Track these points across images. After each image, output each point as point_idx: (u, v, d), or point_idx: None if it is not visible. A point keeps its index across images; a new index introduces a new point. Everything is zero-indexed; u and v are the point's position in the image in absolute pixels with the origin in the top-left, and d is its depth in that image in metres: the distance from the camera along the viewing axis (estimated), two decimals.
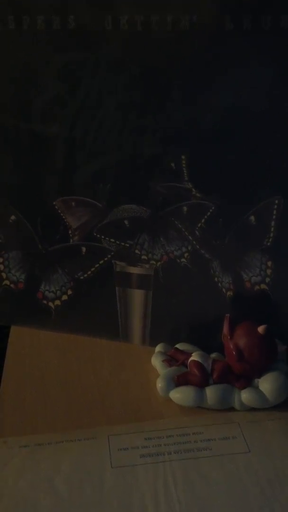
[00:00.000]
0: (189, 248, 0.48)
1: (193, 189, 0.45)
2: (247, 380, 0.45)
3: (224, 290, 0.49)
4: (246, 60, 0.40)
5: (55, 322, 0.53)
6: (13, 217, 0.50)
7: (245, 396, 0.44)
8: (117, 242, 0.49)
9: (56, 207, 0.49)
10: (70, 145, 0.45)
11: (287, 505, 0.37)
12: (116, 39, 0.41)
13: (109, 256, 0.50)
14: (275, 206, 0.45)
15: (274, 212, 0.45)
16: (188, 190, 0.45)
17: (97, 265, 0.50)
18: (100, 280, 0.51)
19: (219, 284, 0.49)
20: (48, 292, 0.52)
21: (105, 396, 0.47)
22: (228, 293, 0.49)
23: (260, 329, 0.44)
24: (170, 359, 0.48)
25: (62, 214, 0.49)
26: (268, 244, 0.46)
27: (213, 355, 0.48)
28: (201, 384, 0.45)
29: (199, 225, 0.47)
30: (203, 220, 0.46)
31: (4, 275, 0.53)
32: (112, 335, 0.53)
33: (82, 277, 0.51)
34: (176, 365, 0.47)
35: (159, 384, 0.46)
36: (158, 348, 0.50)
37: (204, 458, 0.40)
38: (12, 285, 0.53)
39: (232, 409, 0.45)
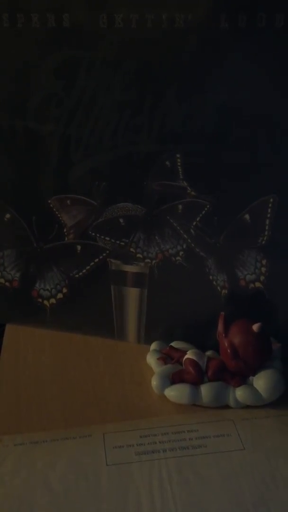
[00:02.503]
0: (184, 246, 0.48)
1: (188, 188, 0.45)
2: (241, 377, 0.45)
3: (219, 288, 0.49)
4: (241, 58, 0.40)
5: (50, 320, 0.53)
6: (8, 215, 0.50)
7: (240, 393, 0.44)
8: (112, 240, 0.49)
9: (51, 205, 0.49)
10: (65, 143, 0.45)
11: (281, 502, 0.37)
12: (111, 37, 0.41)
13: (104, 254, 0.50)
14: (270, 205, 0.45)
15: (269, 210, 0.45)
16: (183, 189, 0.45)
17: (92, 263, 0.50)
18: (95, 278, 0.51)
19: (214, 282, 0.49)
20: (43, 291, 0.52)
21: (100, 394, 0.47)
22: (223, 291, 0.49)
23: (255, 327, 0.44)
24: (165, 357, 0.48)
25: (57, 212, 0.49)
26: (263, 242, 0.46)
27: (208, 353, 0.48)
28: (196, 382, 0.45)
29: (194, 223, 0.47)
30: (198, 219, 0.46)
31: None
32: (107, 333, 0.53)
33: (77, 276, 0.51)
34: (171, 363, 0.47)
35: (154, 382, 0.46)
36: (153, 346, 0.50)
37: (199, 455, 0.41)
38: (7, 284, 0.53)
39: (226, 406, 0.45)
